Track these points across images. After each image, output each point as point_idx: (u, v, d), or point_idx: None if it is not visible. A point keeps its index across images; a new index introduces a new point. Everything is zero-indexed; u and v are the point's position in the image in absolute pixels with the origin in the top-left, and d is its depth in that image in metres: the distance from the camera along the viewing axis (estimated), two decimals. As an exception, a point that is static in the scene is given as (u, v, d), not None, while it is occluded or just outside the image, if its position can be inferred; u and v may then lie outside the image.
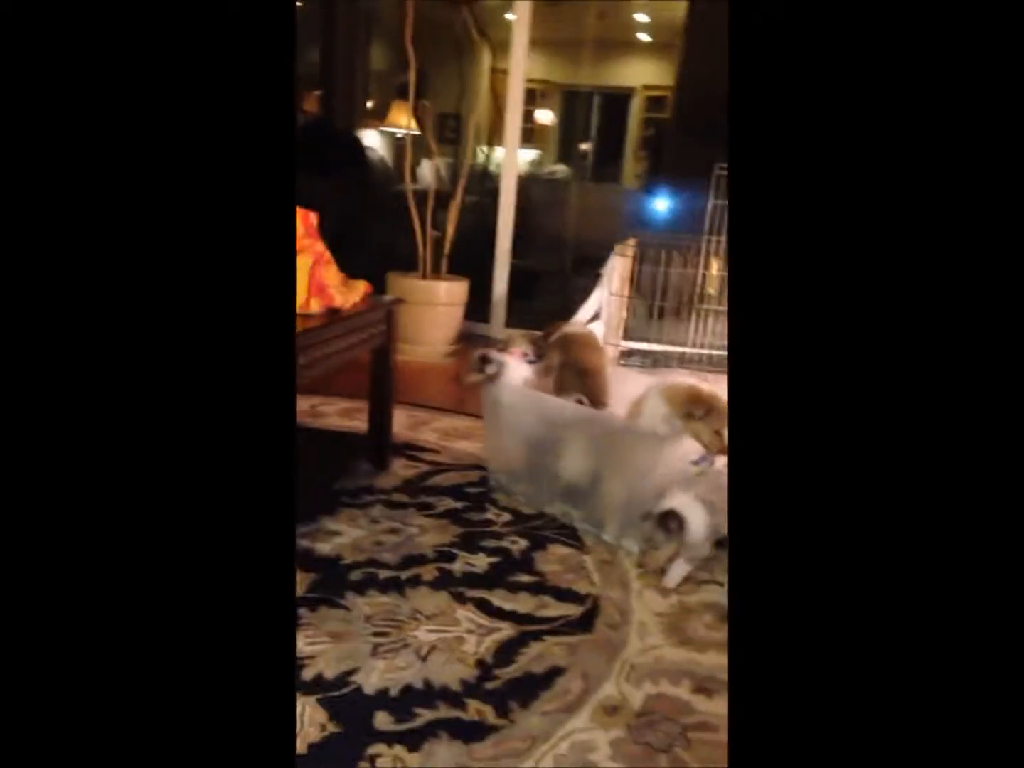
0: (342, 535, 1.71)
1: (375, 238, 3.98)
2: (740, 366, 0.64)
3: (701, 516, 1.54)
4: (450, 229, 3.55)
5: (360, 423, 2.36)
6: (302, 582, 1.49)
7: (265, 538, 0.63)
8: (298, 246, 1.59)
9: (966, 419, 0.56)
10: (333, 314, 1.67)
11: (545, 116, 5.93)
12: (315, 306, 1.61)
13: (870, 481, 0.58)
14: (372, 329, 1.89)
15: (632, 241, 2.67)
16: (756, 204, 0.62)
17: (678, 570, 1.59)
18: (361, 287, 1.83)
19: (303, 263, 1.58)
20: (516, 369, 2.00)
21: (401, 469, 2.13)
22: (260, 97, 0.64)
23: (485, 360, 1.97)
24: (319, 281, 1.61)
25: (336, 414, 2.62)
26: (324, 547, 1.65)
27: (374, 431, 2.09)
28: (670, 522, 1.53)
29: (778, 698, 0.58)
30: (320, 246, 1.68)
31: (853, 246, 0.59)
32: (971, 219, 0.56)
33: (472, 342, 3.79)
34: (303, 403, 2.70)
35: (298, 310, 1.59)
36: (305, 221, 1.65)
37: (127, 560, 0.60)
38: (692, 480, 1.63)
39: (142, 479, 0.60)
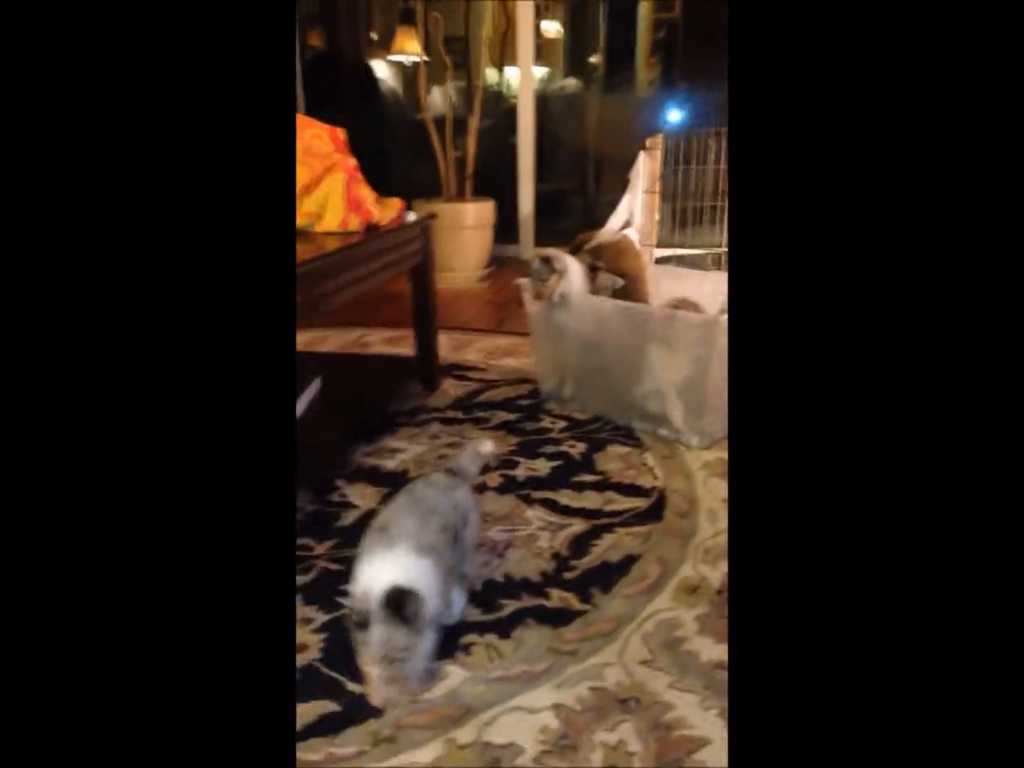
0: (405, 451, 1.73)
1: (393, 168, 3.90)
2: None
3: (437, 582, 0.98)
4: (471, 149, 3.47)
5: (405, 350, 2.36)
6: (373, 496, 1.52)
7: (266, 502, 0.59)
8: (330, 161, 1.56)
9: (966, 390, 0.53)
10: (372, 230, 1.64)
11: (552, 28, 5.70)
12: (354, 223, 1.59)
13: (876, 467, 0.55)
14: (411, 246, 1.86)
15: (659, 137, 2.58)
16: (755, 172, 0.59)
17: (419, 664, 0.97)
18: (396, 204, 1.80)
19: (338, 179, 1.55)
20: (575, 269, 1.87)
21: (451, 388, 2.13)
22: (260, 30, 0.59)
23: (547, 261, 1.80)
24: (355, 197, 1.59)
25: (381, 343, 2.63)
26: (389, 463, 1.67)
27: (422, 352, 2.09)
28: (406, 607, 0.91)
29: (778, 697, 0.56)
30: (352, 161, 1.64)
31: (852, 233, 0.56)
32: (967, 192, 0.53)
33: (504, 264, 3.75)
34: (349, 335, 2.71)
35: (337, 227, 1.57)
36: (334, 136, 1.62)
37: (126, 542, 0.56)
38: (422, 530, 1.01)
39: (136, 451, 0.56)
